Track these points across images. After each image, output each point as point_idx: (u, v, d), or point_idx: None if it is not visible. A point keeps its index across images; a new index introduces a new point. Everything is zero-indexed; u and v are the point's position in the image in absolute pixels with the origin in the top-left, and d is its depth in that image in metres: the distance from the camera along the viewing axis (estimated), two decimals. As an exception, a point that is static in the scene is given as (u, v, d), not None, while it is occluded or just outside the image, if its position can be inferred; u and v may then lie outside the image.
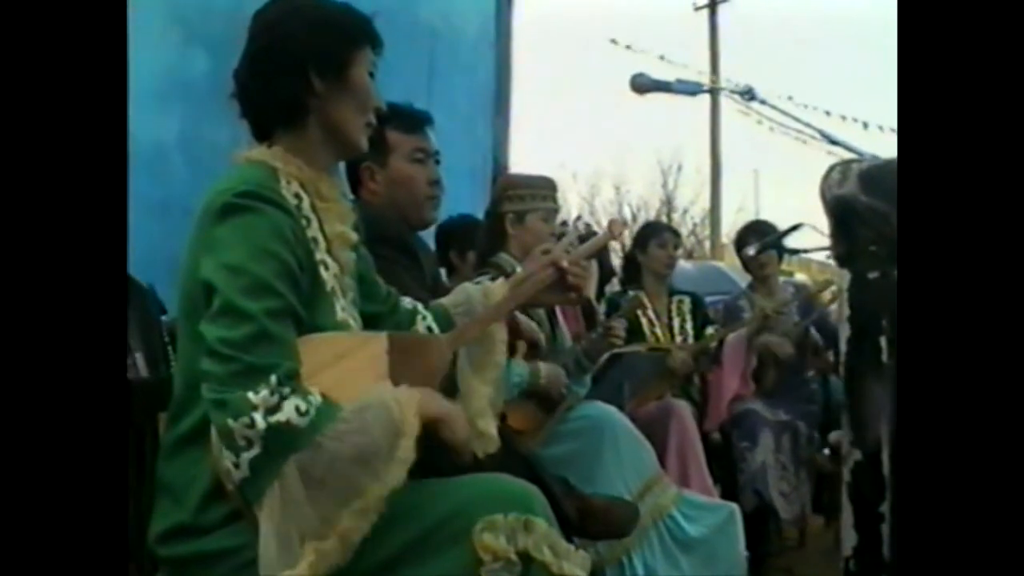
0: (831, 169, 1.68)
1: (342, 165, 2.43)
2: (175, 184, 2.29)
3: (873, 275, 1.64)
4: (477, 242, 3.40)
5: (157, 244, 1.74)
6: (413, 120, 2.66)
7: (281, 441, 1.47)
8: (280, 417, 1.47)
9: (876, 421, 1.61)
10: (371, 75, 1.80)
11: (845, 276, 1.67)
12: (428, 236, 3.33)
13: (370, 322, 1.88)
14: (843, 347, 1.66)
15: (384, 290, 1.98)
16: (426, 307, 2.03)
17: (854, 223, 1.64)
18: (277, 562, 1.46)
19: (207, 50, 2.83)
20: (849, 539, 1.64)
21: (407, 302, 2.03)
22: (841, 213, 1.66)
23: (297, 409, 1.48)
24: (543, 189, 3.25)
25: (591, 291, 3.99)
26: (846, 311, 1.66)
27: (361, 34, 1.79)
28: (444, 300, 2.06)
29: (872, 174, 1.65)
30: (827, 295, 4.31)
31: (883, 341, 1.61)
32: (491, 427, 1.88)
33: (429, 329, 1.97)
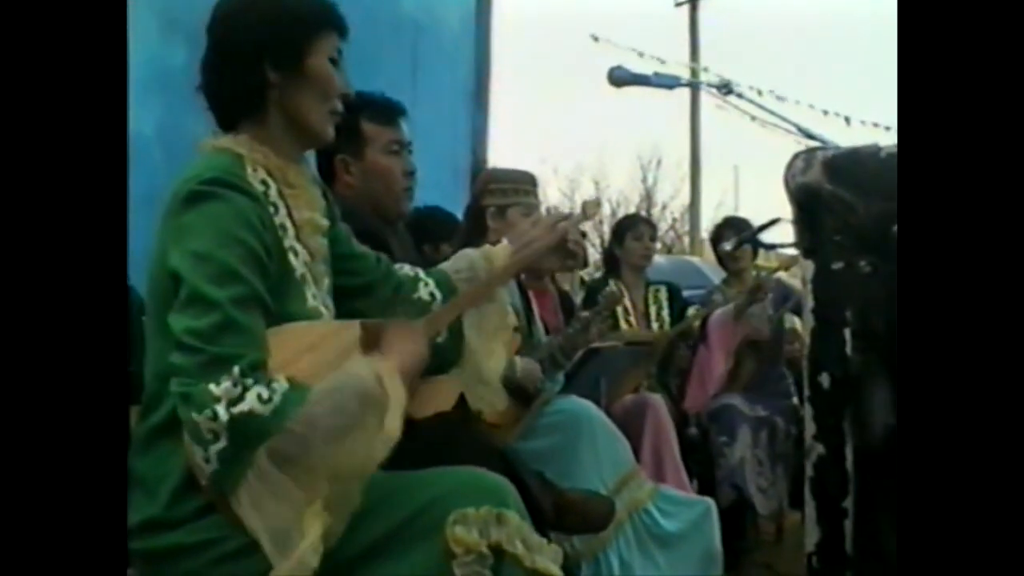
0: (795, 157, 1.66)
1: (312, 158, 2.43)
2: (155, 177, 2.27)
3: (837, 266, 1.61)
4: (456, 235, 3.39)
5: (138, 237, 1.73)
6: (388, 111, 2.66)
7: (246, 432, 1.46)
8: (243, 408, 1.46)
9: (839, 415, 1.59)
10: (334, 61, 1.78)
11: (809, 267, 1.65)
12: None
13: (362, 292, 1.91)
14: (807, 340, 1.64)
15: (373, 257, 1.98)
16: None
17: (818, 212, 1.62)
18: (282, 545, 1.46)
19: (186, 41, 2.80)
20: (812, 535, 1.62)
21: (407, 268, 2.03)
22: (805, 202, 1.63)
23: (259, 398, 1.47)
24: (524, 184, 3.24)
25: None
26: (810, 303, 1.64)
27: (319, 21, 1.77)
28: (444, 265, 2.06)
29: (837, 162, 1.62)
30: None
31: (847, 333, 1.59)
32: (500, 386, 1.98)
33: (432, 295, 1.97)
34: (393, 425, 1.51)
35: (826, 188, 1.61)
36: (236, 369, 1.48)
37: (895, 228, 1.47)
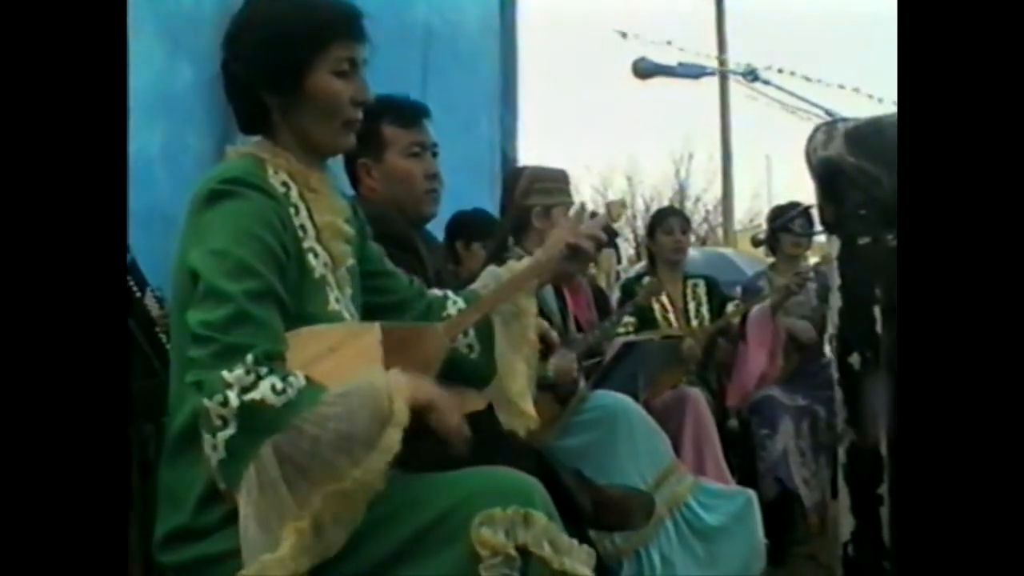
0: (816, 130, 1.61)
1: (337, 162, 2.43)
2: (159, 195, 2.28)
3: (864, 241, 1.55)
4: (495, 236, 3.38)
5: (143, 253, 1.73)
6: (409, 113, 2.65)
7: (255, 420, 1.45)
8: (255, 395, 1.45)
9: (872, 398, 1.54)
10: (343, 72, 1.75)
11: (834, 243, 1.60)
12: (438, 229, 3.32)
13: (394, 311, 1.90)
14: (834, 319, 1.59)
15: (406, 279, 1.99)
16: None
17: (842, 186, 1.56)
18: (258, 546, 1.44)
19: (191, 62, 2.80)
20: (847, 523, 1.57)
21: (436, 290, 2.03)
22: (828, 176, 1.58)
23: (273, 388, 1.46)
24: (564, 182, 3.27)
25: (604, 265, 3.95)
26: (836, 281, 1.58)
27: (323, 35, 1.74)
28: (473, 284, 2.05)
29: (859, 133, 1.57)
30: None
31: (876, 311, 1.54)
32: (530, 406, 1.92)
33: (460, 312, 1.95)
34: (391, 439, 1.48)
35: (849, 161, 1.56)
36: (249, 357, 1.47)
37: None
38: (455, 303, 1.98)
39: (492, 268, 2.07)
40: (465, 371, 1.91)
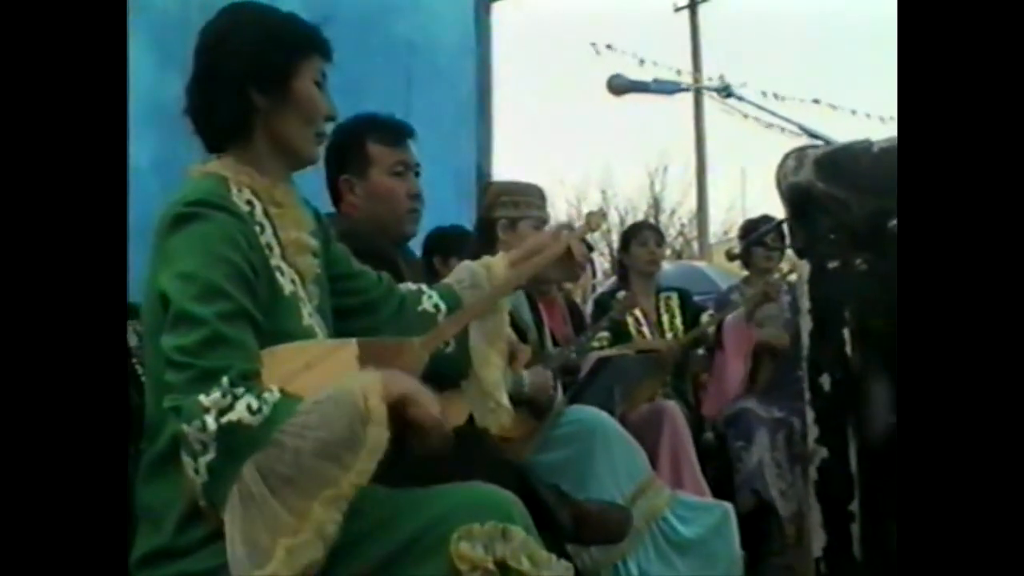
0: (786, 156, 1.64)
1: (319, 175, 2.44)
2: (151, 208, 2.28)
3: (833, 265, 1.59)
4: (466, 249, 3.39)
5: (135, 267, 1.74)
6: (395, 133, 2.68)
7: (234, 442, 1.47)
8: (231, 417, 1.47)
9: (841, 416, 1.57)
10: (318, 84, 1.80)
11: (804, 267, 1.63)
12: (415, 245, 3.33)
13: (368, 310, 1.92)
14: (805, 341, 1.62)
15: (374, 276, 1.99)
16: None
17: (812, 211, 1.60)
18: (246, 564, 1.44)
19: (182, 73, 2.81)
20: (818, 540, 1.59)
21: (409, 284, 2.04)
22: (798, 201, 1.62)
23: (249, 408, 1.48)
24: (535, 198, 3.26)
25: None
26: (806, 304, 1.62)
27: (304, 44, 1.79)
28: (447, 279, 2.07)
29: (829, 160, 1.61)
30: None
31: (846, 333, 1.57)
32: (505, 398, 1.94)
33: (436, 307, 1.97)
34: (375, 438, 1.50)
35: (818, 187, 1.59)
36: (225, 380, 1.49)
37: (891, 224, 1.46)
38: (430, 297, 1.99)
39: (467, 263, 2.08)
40: (440, 366, 1.91)
